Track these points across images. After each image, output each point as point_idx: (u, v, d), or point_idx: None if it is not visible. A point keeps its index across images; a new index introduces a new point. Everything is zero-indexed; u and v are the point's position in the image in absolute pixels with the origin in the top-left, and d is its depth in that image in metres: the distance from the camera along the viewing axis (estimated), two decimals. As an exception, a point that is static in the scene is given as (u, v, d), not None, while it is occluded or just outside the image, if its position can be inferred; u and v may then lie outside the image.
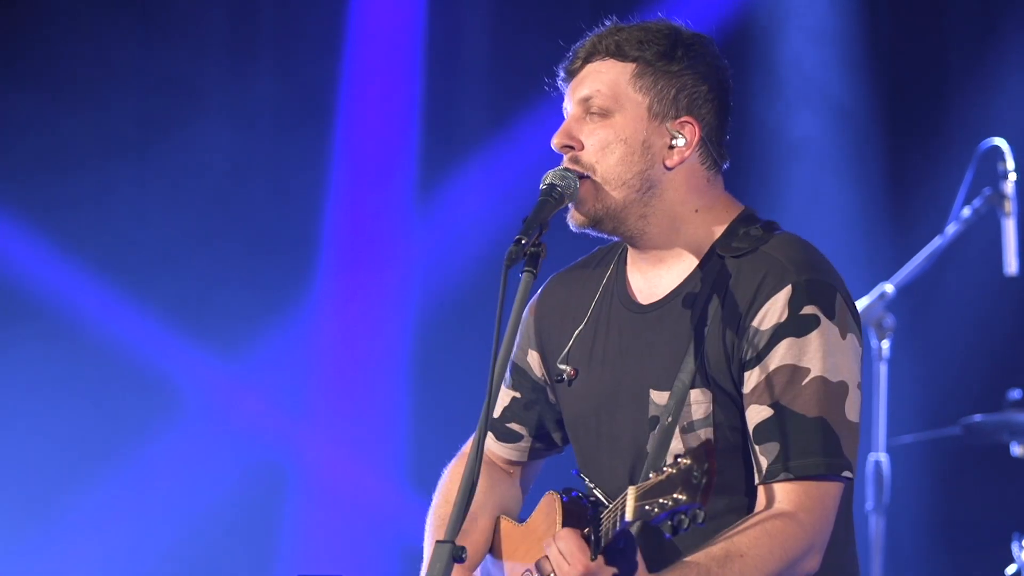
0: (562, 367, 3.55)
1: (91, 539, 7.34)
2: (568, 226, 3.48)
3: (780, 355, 3.31)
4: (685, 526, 3.01)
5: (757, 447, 3.32)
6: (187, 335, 7.49)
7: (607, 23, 3.53)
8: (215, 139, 7.58)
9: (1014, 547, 5.95)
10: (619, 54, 3.45)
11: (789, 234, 3.50)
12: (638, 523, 3.17)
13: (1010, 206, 6.14)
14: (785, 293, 3.34)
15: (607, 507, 3.22)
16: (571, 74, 3.48)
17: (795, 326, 3.33)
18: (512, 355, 3.59)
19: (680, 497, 3.00)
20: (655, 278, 3.49)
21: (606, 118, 3.42)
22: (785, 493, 3.28)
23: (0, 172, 7.40)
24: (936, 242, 6.21)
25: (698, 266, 3.44)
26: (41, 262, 7.41)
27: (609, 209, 3.41)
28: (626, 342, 3.48)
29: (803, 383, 3.30)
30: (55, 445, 7.33)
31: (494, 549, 3.61)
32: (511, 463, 3.72)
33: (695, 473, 2.99)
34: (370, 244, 7.70)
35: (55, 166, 7.44)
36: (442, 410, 7.26)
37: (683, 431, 3.36)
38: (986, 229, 6.27)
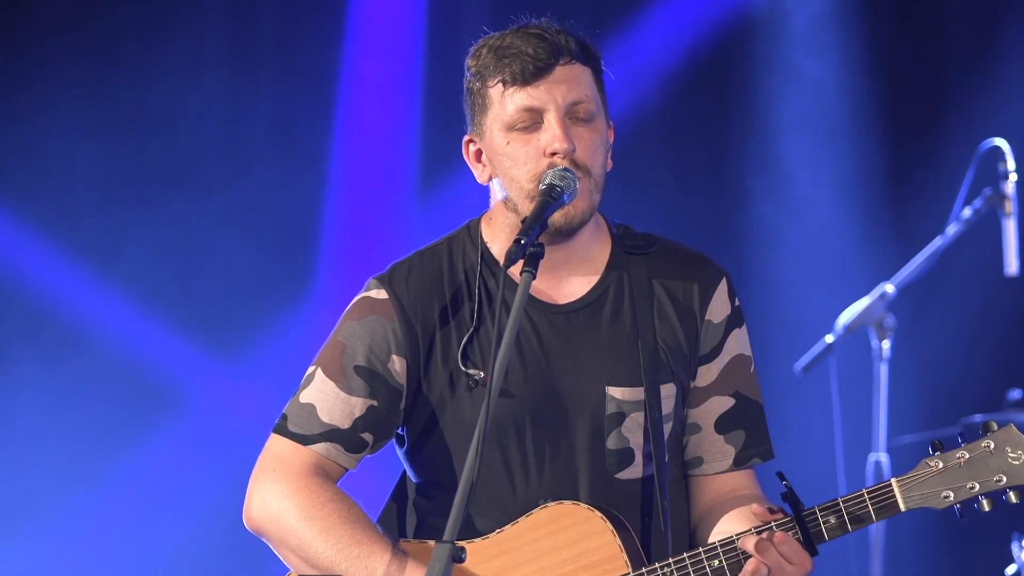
0: (472, 372, 3.45)
1: (92, 539, 7.34)
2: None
3: (731, 346, 3.50)
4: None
5: (721, 436, 3.48)
6: (187, 335, 7.49)
7: (537, 21, 3.51)
8: (215, 139, 7.58)
9: (1014, 547, 5.95)
10: (581, 58, 3.45)
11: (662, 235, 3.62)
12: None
13: (1010, 206, 6.14)
14: (724, 286, 3.52)
15: (807, 508, 3.27)
16: (539, 74, 3.40)
17: (736, 318, 3.53)
18: (365, 362, 3.48)
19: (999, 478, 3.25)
20: (556, 280, 3.48)
21: (592, 123, 3.43)
22: (751, 478, 3.51)
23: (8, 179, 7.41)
24: (937, 242, 6.21)
25: (608, 264, 3.50)
26: (41, 263, 7.41)
27: (593, 210, 3.44)
28: (551, 344, 3.45)
29: (750, 371, 3.52)
30: (56, 445, 7.33)
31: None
32: (342, 468, 3.54)
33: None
34: (370, 244, 7.70)
35: (54, 167, 7.44)
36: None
37: (653, 426, 3.41)
38: (986, 229, 6.27)
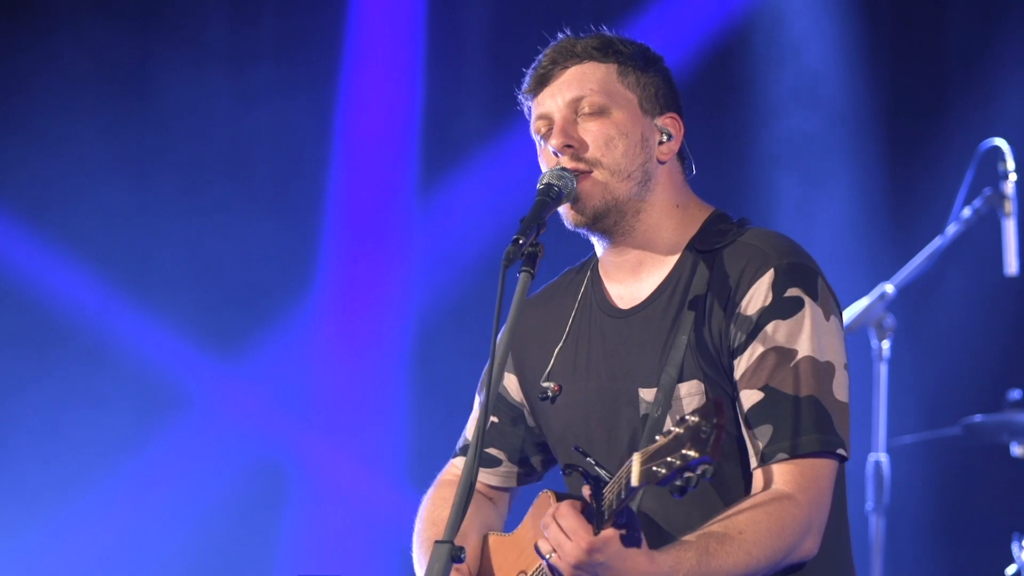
0: (545, 385, 3.55)
1: (93, 539, 7.34)
2: (565, 227, 3.51)
3: (767, 338, 3.34)
4: (694, 484, 2.94)
5: (750, 431, 3.33)
6: (188, 336, 7.49)
7: (561, 35, 3.57)
8: (216, 140, 7.58)
9: (1014, 547, 5.95)
10: (598, 56, 3.50)
11: (764, 228, 3.53)
12: (639, 496, 3.18)
13: (1010, 206, 6.13)
14: (768, 277, 3.38)
15: (608, 483, 3.15)
16: (544, 81, 3.50)
17: (780, 308, 3.36)
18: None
19: (689, 453, 2.93)
20: (635, 283, 3.51)
21: (604, 115, 3.46)
22: (781, 473, 3.29)
23: (1, 174, 7.41)
24: (936, 242, 6.21)
25: (676, 264, 3.48)
26: (42, 264, 7.41)
27: (617, 201, 3.44)
28: (610, 347, 3.49)
29: (792, 364, 3.33)
30: (57, 446, 7.33)
31: (483, 565, 3.57)
32: (493, 488, 3.71)
33: (703, 428, 2.94)
34: (370, 244, 7.70)
35: (56, 168, 7.44)
36: (442, 410, 7.26)
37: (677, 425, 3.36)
38: (986, 229, 6.26)
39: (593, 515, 3.10)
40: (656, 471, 2.97)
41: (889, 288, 6.17)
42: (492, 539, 3.57)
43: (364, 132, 7.74)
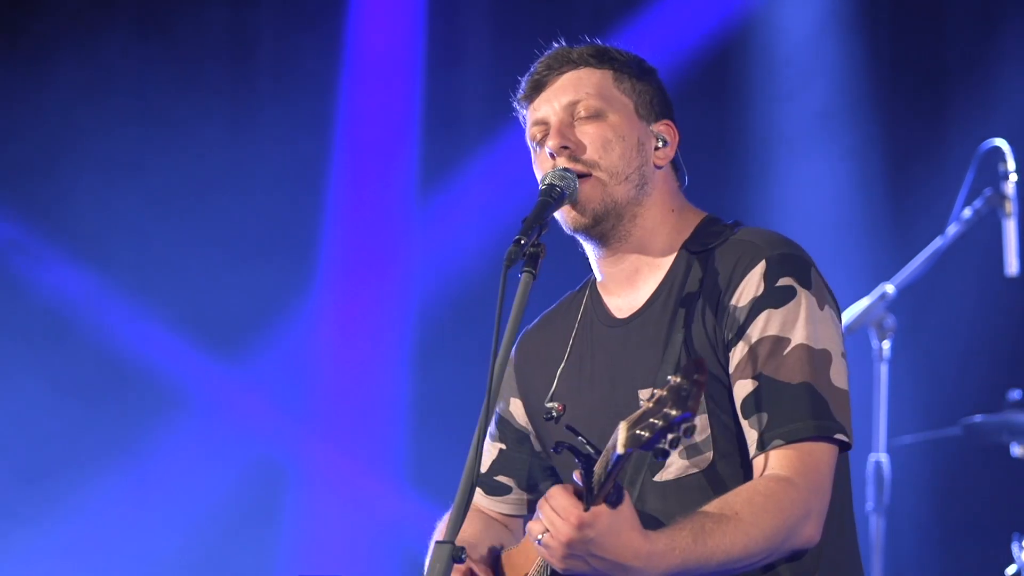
0: (549, 405, 3.53)
1: (93, 539, 7.35)
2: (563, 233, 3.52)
3: (760, 327, 3.33)
4: (677, 443, 2.90)
5: (746, 421, 3.31)
6: (188, 336, 7.50)
7: (556, 44, 3.58)
8: (216, 140, 7.58)
9: (1014, 547, 5.95)
10: (594, 63, 3.52)
11: (757, 227, 3.55)
12: (638, 482, 3.21)
13: (1011, 207, 6.14)
14: (760, 267, 3.38)
15: (597, 459, 3.12)
16: (539, 87, 3.52)
17: (772, 297, 3.35)
18: (499, 407, 3.60)
19: (671, 412, 2.89)
20: (631, 291, 3.52)
21: (600, 118, 3.47)
22: (778, 460, 3.26)
23: (2, 175, 7.41)
24: (937, 243, 6.21)
25: (671, 268, 3.49)
26: (43, 265, 7.42)
27: (616, 204, 3.45)
28: (612, 358, 3.50)
29: (785, 352, 3.31)
30: (58, 446, 7.33)
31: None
32: (506, 516, 3.69)
33: (684, 386, 2.90)
34: (370, 245, 7.71)
35: (58, 169, 7.44)
36: (442, 411, 7.26)
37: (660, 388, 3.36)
38: (986, 230, 6.27)
39: (583, 495, 3.07)
40: (640, 435, 2.92)
41: (889, 288, 6.17)
42: (504, 555, 3.54)
43: (364, 133, 7.74)
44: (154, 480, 7.44)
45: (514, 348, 3.63)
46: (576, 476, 3.09)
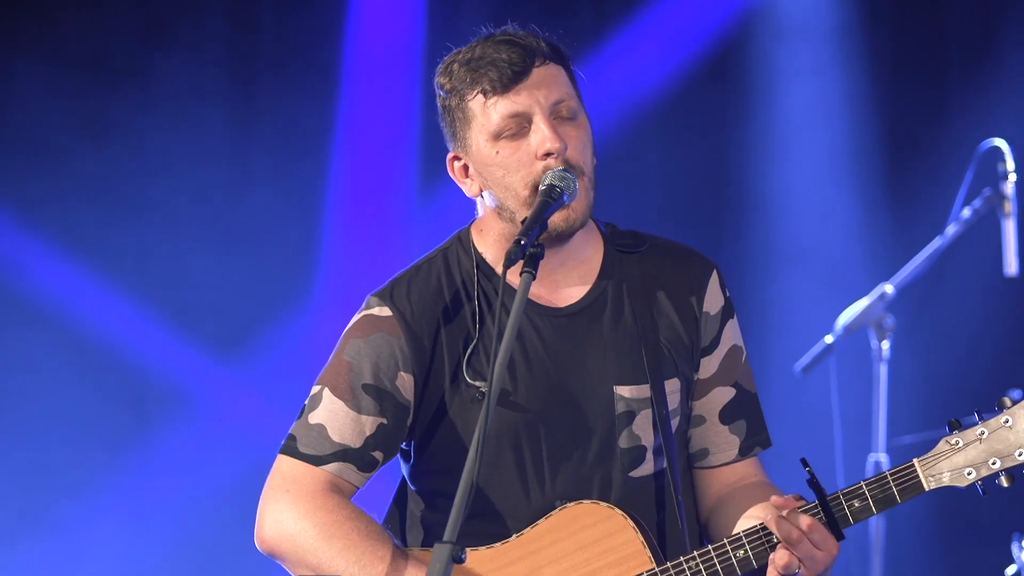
0: (478, 384, 3.44)
1: (93, 539, 7.34)
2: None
3: (727, 337, 3.52)
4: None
5: (725, 427, 3.51)
6: (189, 336, 7.49)
7: (500, 29, 3.57)
8: (216, 141, 7.58)
9: (1014, 547, 5.95)
10: (554, 58, 3.47)
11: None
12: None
13: (1010, 207, 6.14)
14: (715, 278, 3.53)
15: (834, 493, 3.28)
16: (518, 78, 3.42)
17: (729, 309, 3.55)
18: (373, 380, 3.46)
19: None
20: (553, 283, 3.49)
21: (577, 120, 3.44)
22: (757, 466, 3.55)
23: (3, 176, 7.41)
24: (936, 243, 6.21)
25: (603, 265, 3.50)
26: (45, 266, 7.41)
27: (590, 210, 3.44)
28: (555, 347, 3.46)
29: (743, 361, 3.55)
30: (59, 448, 7.33)
31: None
32: (354, 489, 3.53)
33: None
34: (371, 245, 7.71)
35: (59, 170, 7.44)
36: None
37: (661, 421, 3.43)
38: (986, 230, 6.27)
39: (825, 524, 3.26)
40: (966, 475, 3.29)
41: (889, 288, 6.18)
42: (472, 555, 3.40)
43: (365, 133, 7.74)
44: (154, 480, 7.43)
45: (394, 318, 3.48)
46: (789, 504, 3.26)
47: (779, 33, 7.64)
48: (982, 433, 3.25)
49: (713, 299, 3.50)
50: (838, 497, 3.27)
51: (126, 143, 7.50)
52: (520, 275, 3.25)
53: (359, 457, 3.47)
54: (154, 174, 7.50)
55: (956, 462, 3.28)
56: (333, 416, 3.47)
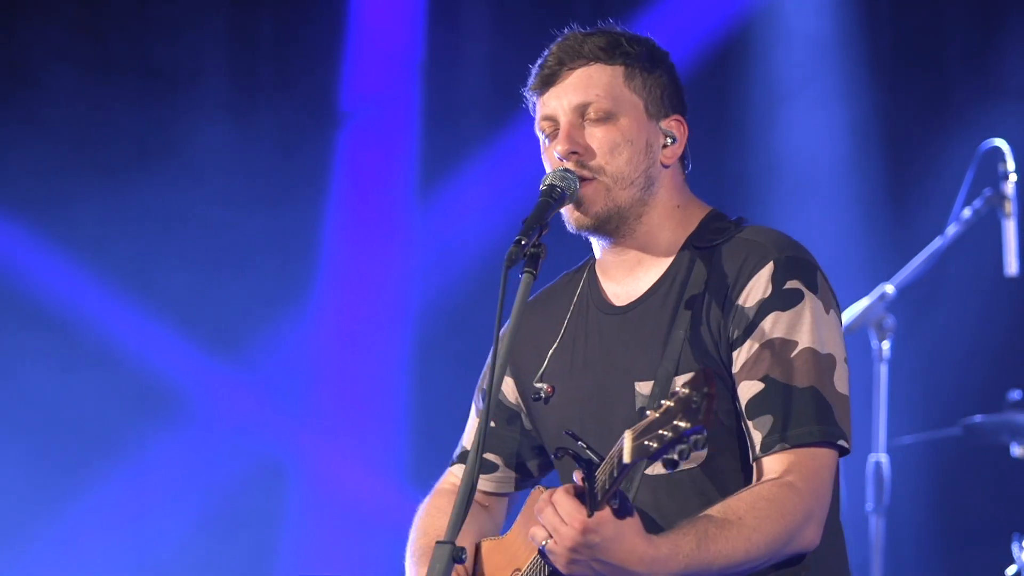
0: (539, 385, 3.53)
1: (93, 540, 7.35)
2: (566, 229, 3.51)
3: (767, 329, 3.33)
4: (686, 455, 2.89)
5: (751, 422, 3.31)
6: (189, 336, 7.50)
7: (568, 31, 3.55)
8: (217, 141, 7.58)
9: (1014, 547, 5.95)
10: (604, 58, 3.49)
11: (762, 225, 3.53)
12: (636, 486, 3.22)
13: (1010, 207, 6.14)
14: (768, 269, 3.37)
15: (600, 464, 3.10)
16: (548, 80, 3.48)
17: (780, 300, 3.35)
18: (484, 383, 3.54)
19: (681, 424, 2.87)
20: (631, 280, 3.52)
21: (609, 121, 3.45)
22: (781, 463, 3.27)
23: (3, 177, 7.41)
24: (936, 243, 6.21)
25: (674, 261, 3.48)
26: (45, 266, 7.42)
27: (619, 208, 3.44)
28: (607, 345, 3.49)
29: (792, 355, 3.32)
30: (59, 448, 7.34)
31: (476, 571, 3.54)
32: (488, 495, 3.68)
33: (694, 398, 2.89)
34: (371, 245, 7.71)
35: (60, 171, 7.44)
36: (442, 410, 7.25)
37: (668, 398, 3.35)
38: (986, 230, 6.26)
39: (586, 499, 3.05)
40: (648, 445, 2.92)
41: (889, 288, 6.17)
42: (485, 545, 3.54)
43: (365, 133, 7.74)
44: (155, 480, 7.44)
45: (507, 325, 3.51)
46: (577, 478, 3.09)
47: (779, 33, 7.65)
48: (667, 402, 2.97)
49: (754, 291, 3.35)
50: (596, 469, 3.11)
51: (127, 144, 7.51)
52: (521, 275, 3.25)
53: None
54: (154, 174, 7.50)
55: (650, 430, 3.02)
56: (469, 418, 3.70)
